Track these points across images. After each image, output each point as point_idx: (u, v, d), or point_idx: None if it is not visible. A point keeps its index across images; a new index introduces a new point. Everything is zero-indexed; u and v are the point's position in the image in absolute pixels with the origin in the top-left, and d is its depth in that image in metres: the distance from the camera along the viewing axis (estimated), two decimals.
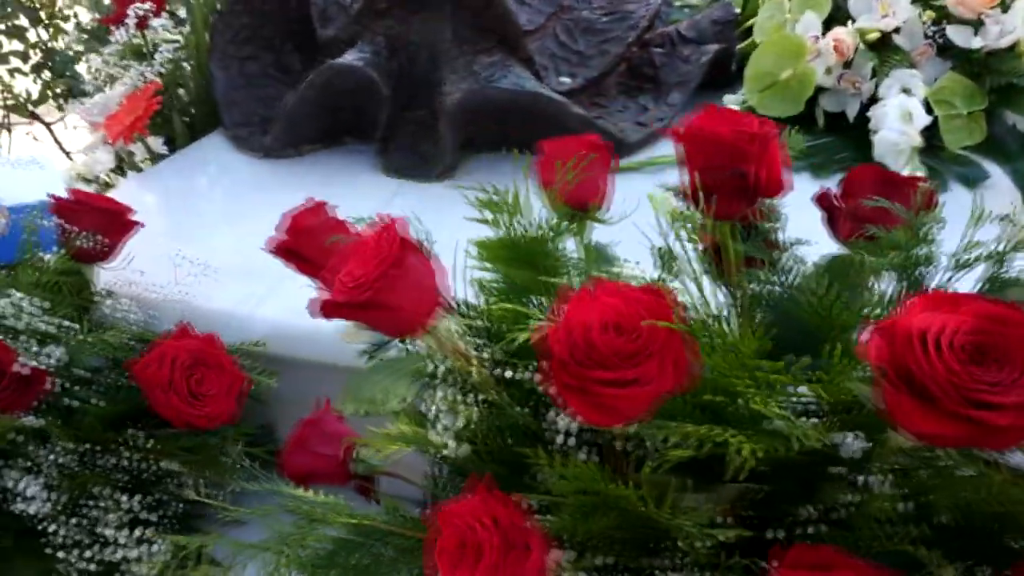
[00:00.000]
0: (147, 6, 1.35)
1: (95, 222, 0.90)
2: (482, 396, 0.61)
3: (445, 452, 0.60)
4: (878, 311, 0.58)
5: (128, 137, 1.31)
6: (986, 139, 1.21)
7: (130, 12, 1.34)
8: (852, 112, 1.25)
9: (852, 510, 0.54)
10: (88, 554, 0.75)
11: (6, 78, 1.91)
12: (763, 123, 0.57)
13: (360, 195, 1.21)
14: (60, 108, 1.91)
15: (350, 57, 1.22)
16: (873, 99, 1.24)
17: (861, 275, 0.60)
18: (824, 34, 1.25)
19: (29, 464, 0.76)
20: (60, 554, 0.75)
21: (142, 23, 1.36)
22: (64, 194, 1.01)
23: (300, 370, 0.96)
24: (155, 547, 0.77)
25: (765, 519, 0.56)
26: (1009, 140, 1.24)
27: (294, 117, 1.26)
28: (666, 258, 0.71)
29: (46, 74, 1.93)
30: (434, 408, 0.64)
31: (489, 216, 0.68)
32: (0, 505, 0.79)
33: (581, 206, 0.70)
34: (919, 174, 1.10)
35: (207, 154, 1.36)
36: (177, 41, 1.41)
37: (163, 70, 1.34)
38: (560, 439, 0.58)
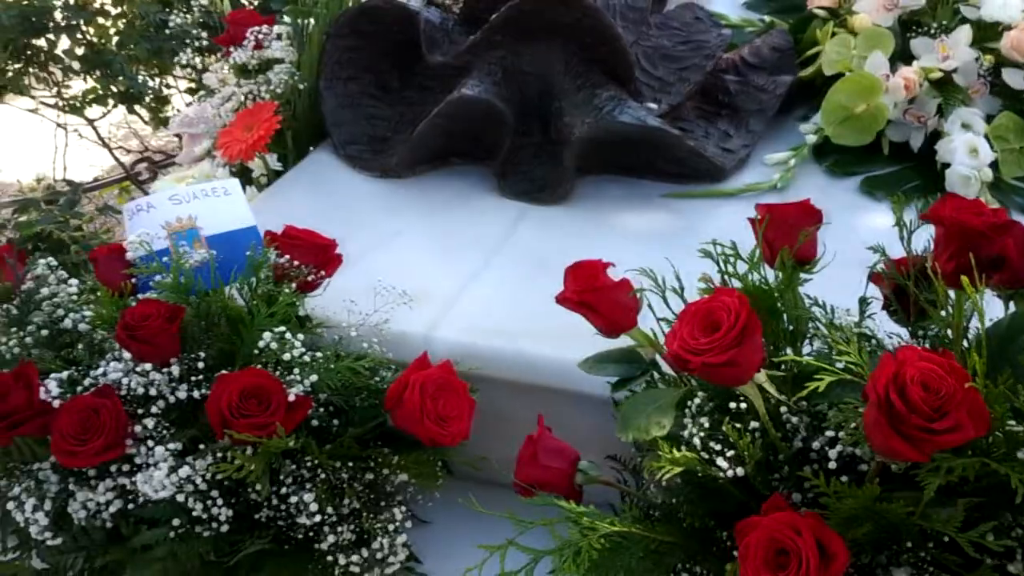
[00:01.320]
0: (265, 28, 1.42)
1: (309, 256, 0.99)
2: (753, 425, 0.74)
3: (724, 474, 0.73)
4: None
5: (250, 155, 1.39)
6: None
7: (249, 34, 1.41)
8: (917, 143, 1.41)
9: None
10: (355, 557, 0.86)
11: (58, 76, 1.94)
12: (997, 212, 0.70)
13: (486, 218, 1.31)
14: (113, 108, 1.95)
15: (476, 88, 1.31)
16: (935, 132, 1.39)
17: None
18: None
19: (300, 479, 0.86)
20: (330, 557, 0.86)
21: (259, 44, 1.43)
22: (252, 220, 1.09)
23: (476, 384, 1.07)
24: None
25: None
26: None
27: (421, 140, 1.35)
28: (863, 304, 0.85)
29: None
30: (696, 433, 0.76)
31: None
32: (269, 515, 0.89)
33: (803, 261, 0.82)
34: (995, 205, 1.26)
35: (320, 172, 1.44)
36: (281, 61, 1.48)
37: (279, 89, 1.42)
38: (832, 464, 0.71)
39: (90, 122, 2.08)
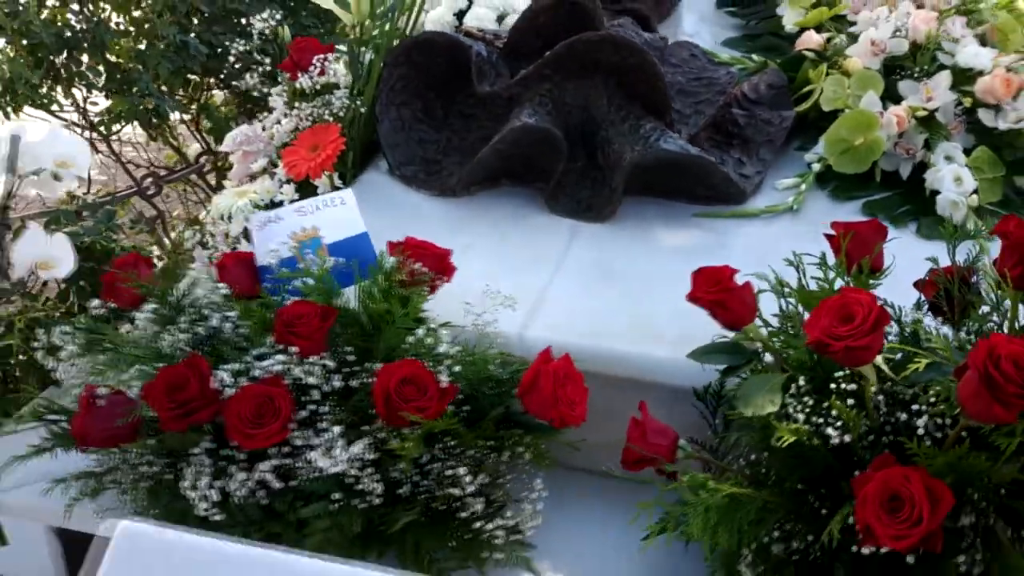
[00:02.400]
0: (330, 56, 1.54)
1: (431, 263, 1.12)
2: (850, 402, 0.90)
3: (831, 441, 0.89)
4: None
5: (317, 173, 1.50)
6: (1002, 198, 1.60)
7: (316, 61, 1.53)
8: (906, 172, 1.61)
9: None
10: (497, 522, 0.99)
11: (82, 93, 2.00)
12: None
13: (543, 234, 1.46)
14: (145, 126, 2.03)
15: (534, 117, 1.46)
16: (922, 162, 1.60)
17: None
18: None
19: (451, 456, 0.99)
20: (477, 524, 0.99)
21: (323, 70, 1.55)
22: (364, 227, 1.22)
23: None
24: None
25: None
26: (1015, 198, 1.63)
27: (482, 163, 1.49)
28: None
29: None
30: (801, 409, 0.93)
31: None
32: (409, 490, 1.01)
33: (875, 270, 1.00)
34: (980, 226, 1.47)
35: (378, 190, 1.56)
36: (338, 86, 1.60)
37: (341, 113, 1.54)
38: (921, 430, 0.88)
39: (106, 138, 2.15)
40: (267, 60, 1.59)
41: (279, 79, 1.60)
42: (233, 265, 1.15)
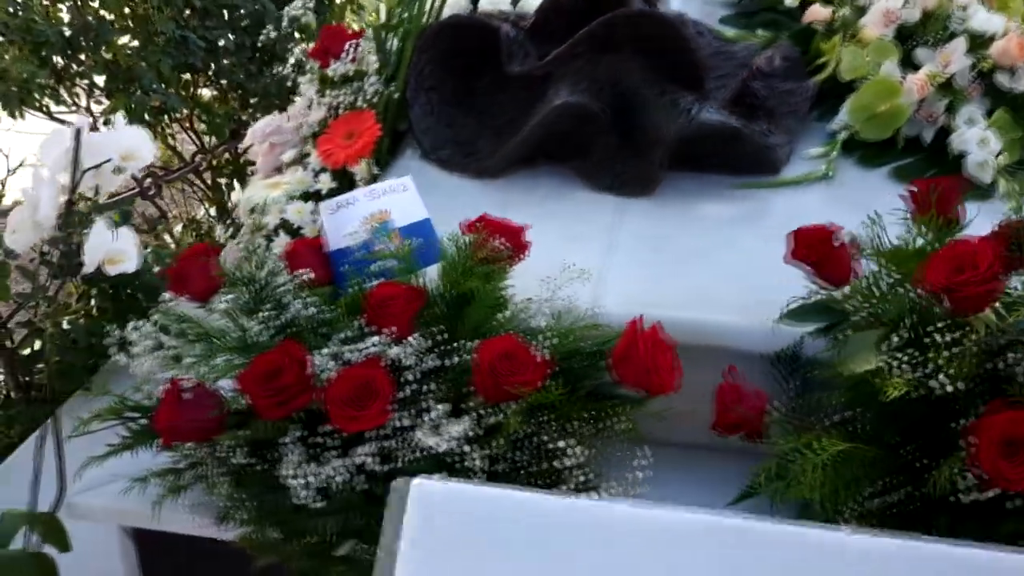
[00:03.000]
0: (360, 43, 1.52)
1: (508, 239, 1.12)
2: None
3: (939, 392, 0.91)
4: None
5: (356, 160, 1.49)
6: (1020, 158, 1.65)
7: (348, 47, 1.51)
8: (928, 137, 1.65)
9: None
10: (602, 494, 1.00)
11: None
12: None
13: (590, 209, 1.46)
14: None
15: (573, 95, 1.46)
16: (943, 127, 1.64)
17: None
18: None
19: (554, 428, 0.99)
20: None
21: (355, 57, 1.53)
22: (426, 213, 1.21)
23: None
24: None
25: None
26: None
27: (522, 143, 1.49)
28: None
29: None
30: (902, 362, 0.95)
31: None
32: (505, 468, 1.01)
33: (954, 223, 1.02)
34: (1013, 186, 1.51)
35: (416, 176, 1.55)
36: (365, 72, 1.59)
37: (375, 99, 1.52)
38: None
39: None
40: (296, 48, 1.57)
41: (307, 68, 1.58)
42: (304, 251, 1.14)
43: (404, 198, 1.19)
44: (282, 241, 1.48)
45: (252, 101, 2.42)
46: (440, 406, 0.97)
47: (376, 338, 1.00)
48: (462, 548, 0.69)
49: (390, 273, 1.10)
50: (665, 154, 1.47)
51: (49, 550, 1.13)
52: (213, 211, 2.55)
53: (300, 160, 1.61)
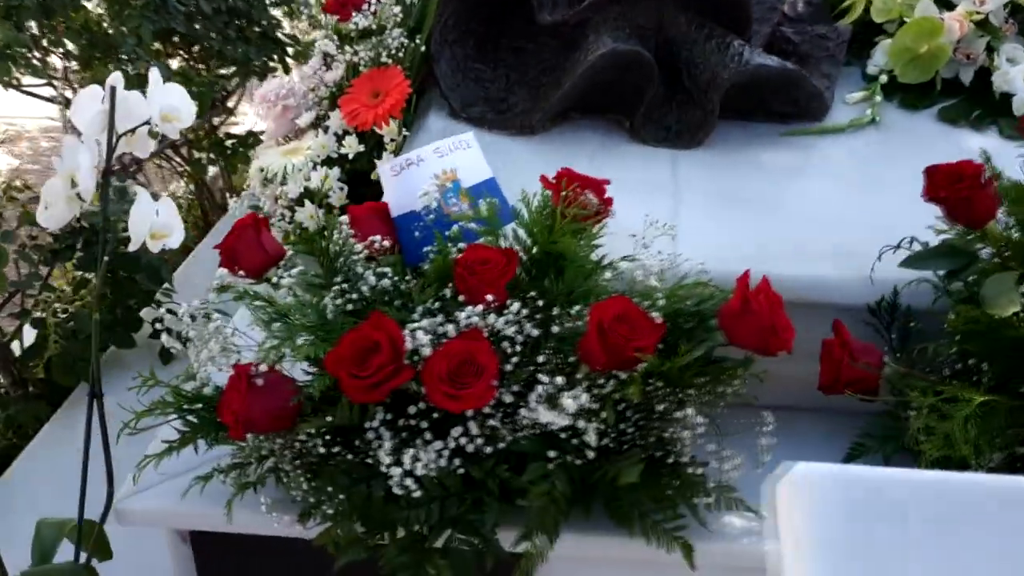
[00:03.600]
0: None
1: (594, 193, 1.03)
2: None
3: None
4: None
5: (385, 120, 1.38)
6: None
7: None
8: (967, 78, 1.60)
9: None
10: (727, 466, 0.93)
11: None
12: None
13: (645, 163, 1.38)
14: None
15: (619, 41, 1.37)
16: (982, 67, 1.59)
17: None
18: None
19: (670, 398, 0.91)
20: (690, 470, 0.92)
21: (375, 11, 1.41)
22: (490, 172, 1.11)
23: None
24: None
25: None
26: None
27: (565, 96, 1.39)
28: None
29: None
30: None
31: None
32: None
33: None
34: None
35: (447, 135, 1.45)
36: (384, 27, 1.47)
37: (400, 54, 1.41)
38: None
39: None
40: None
41: (323, 23, 1.46)
42: (367, 216, 1.03)
43: (468, 155, 1.09)
44: (307, 211, 1.37)
45: (226, 71, 2.29)
46: (557, 378, 0.88)
47: (472, 308, 0.91)
48: (887, 538, 0.60)
49: (468, 236, 1.00)
50: (718, 101, 1.39)
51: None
52: (192, 188, 2.41)
53: (317, 123, 1.49)
